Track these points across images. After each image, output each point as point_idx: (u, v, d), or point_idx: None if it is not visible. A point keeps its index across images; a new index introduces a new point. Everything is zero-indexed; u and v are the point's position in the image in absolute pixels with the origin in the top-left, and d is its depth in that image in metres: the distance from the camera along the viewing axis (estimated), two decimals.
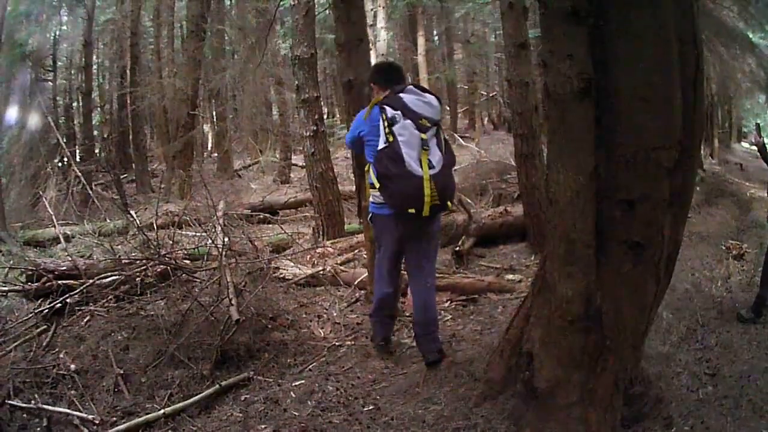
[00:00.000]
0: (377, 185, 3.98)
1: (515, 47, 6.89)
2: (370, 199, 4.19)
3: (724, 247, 7.47)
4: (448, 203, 4.01)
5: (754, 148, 6.64)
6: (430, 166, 3.86)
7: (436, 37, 24.07)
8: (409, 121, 3.86)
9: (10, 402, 4.09)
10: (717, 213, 9.71)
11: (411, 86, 4.11)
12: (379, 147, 3.89)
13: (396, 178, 3.82)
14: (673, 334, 4.72)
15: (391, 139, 3.83)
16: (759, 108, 20.93)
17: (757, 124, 5.92)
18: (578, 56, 2.70)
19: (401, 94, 3.98)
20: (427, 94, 4.08)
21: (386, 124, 3.85)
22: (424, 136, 3.89)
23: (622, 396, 3.16)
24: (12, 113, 12.86)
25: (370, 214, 4.25)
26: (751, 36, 10.33)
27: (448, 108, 23.08)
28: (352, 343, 4.96)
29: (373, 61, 14.18)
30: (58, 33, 16.55)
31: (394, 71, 4.37)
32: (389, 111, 3.88)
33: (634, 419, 3.33)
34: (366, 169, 4.24)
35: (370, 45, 14.19)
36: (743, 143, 25.59)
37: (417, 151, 3.85)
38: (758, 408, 3.59)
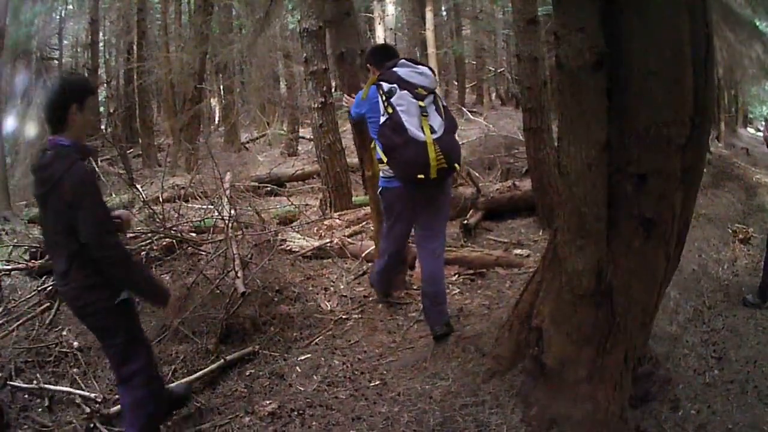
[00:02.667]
0: (384, 159, 4.00)
1: (525, 22, 6.83)
2: (380, 174, 4.21)
3: (730, 231, 7.38)
4: (456, 165, 4.01)
5: (760, 133, 6.58)
6: (432, 131, 3.90)
7: (444, 13, 23.74)
8: (405, 92, 3.93)
9: (11, 383, 4.07)
10: (723, 196, 9.59)
11: (403, 60, 4.17)
12: (381, 122, 3.94)
13: (400, 147, 3.85)
14: (681, 315, 4.66)
15: (390, 110, 3.89)
16: (765, 95, 20.74)
17: (766, 119, 5.82)
18: (590, 29, 2.64)
19: (395, 69, 4.05)
20: (419, 66, 4.14)
21: (384, 98, 3.92)
22: (422, 103, 3.95)
23: (630, 375, 3.10)
24: (17, 92, 12.81)
25: (380, 188, 4.24)
26: (758, 23, 10.21)
27: (456, 83, 22.89)
28: (359, 316, 4.91)
29: (380, 35, 14.04)
30: (63, 12, 16.46)
31: (387, 51, 4.49)
32: (385, 85, 3.96)
33: (642, 399, 3.28)
34: (372, 146, 4.32)
35: (378, 20, 14.03)
36: (749, 128, 25.44)
37: (417, 118, 3.90)
38: (764, 395, 3.54)
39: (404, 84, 3.94)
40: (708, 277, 5.70)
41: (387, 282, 4.98)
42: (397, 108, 3.87)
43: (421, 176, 3.86)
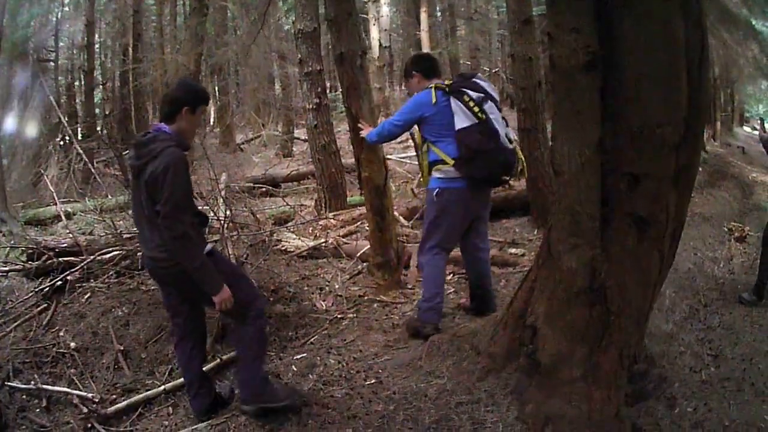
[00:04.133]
0: (450, 161, 4.22)
1: (519, 23, 6.94)
2: (436, 175, 4.33)
3: (726, 229, 7.42)
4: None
5: (756, 132, 6.60)
6: (510, 141, 4.25)
7: (439, 13, 23.74)
8: (491, 103, 4.19)
9: (9, 383, 4.07)
10: (719, 195, 9.63)
11: (479, 74, 4.50)
12: (461, 126, 4.12)
13: (491, 151, 4.11)
14: (676, 313, 4.70)
15: (482, 116, 4.10)
16: (761, 94, 20.88)
17: (761, 119, 5.83)
18: (584, 30, 2.68)
19: (475, 80, 4.30)
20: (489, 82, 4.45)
21: (472, 104, 4.11)
22: (501, 116, 4.26)
23: (626, 373, 3.12)
24: (14, 94, 12.78)
25: (436, 190, 4.32)
26: (754, 23, 10.24)
27: None
28: (354, 315, 4.92)
29: (375, 35, 14.04)
30: (59, 14, 16.45)
31: (436, 63, 4.68)
32: (473, 94, 4.15)
33: (637, 397, 3.31)
34: (424, 148, 4.44)
35: (373, 21, 14.03)
36: (745, 127, 25.51)
37: (503, 127, 4.22)
38: (760, 392, 3.57)
39: (489, 96, 4.19)
40: (704, 275, 5.74)
41: (436, 313, 4.46)
42: (491, 116, 4.12)
43: (506, 177, 4.33)
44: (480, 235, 4.63)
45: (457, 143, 4.15)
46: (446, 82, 4.30)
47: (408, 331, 4.46)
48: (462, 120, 4.11)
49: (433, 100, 4.21)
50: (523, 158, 4.39)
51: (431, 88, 4.26)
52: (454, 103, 4.14)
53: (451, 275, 5.58)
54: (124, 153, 13.62)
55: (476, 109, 4.09)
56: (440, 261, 4.48)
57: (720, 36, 9.23)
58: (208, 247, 3.37)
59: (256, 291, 3.63)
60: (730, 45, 10.13)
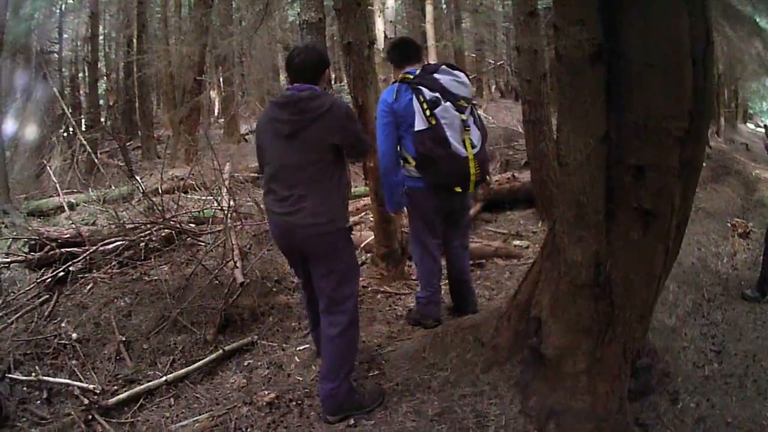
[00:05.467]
0: (412, 162, 4.01)
1: (525, 15, 6.90)
2: (404, 173, 4.12)
3: (729, 225, 7.35)
4: (487, 177, 4.23)
5: (760, 130, 6.56)
6: (473, 146, 3.95)
7: (444, 5, 23.64)
8: (449, 104, 3.86)
9: (10, 375, 4.07)
10: (723, 190, 9.61)
11: (444, 66, 4.06)
12: (418, 128, 3.87)
13: (441, 159, 3.86)
14: (680, 308, 4.66)
15: (433, 122, 3.83)
16: (765, 90, 20.76)
17: (766, 126, 5.78)
18: (589, 21, 2.63)
19: (436, 75, 3.95)
20: (458, 73, 4.06)
21: (425, 106, 3.83)
22: (463, 116, 3.92)
23: (629, 367, 3.08)
24: (17, 87, 12.80)
25: (406, 188, 4.15)
26: (758, 20, 10.20)
27: None
28: (358, 306, 4.88)
29: (380, 27, 13.98)
30: (63, 6, 16.45)
31: (410, 48, 4.26)
32: (427, 93, 3.85)
33: (641, 392, 3.28)
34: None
35: (378, 13, 13.97)
36: (749, 124, 25.42)
37: (459, 132, 3.90)
38: (763, 389, 3.53)
39: (448, 95, 3.88)
40: (707, 271, 5.69)
41: (433, 305, 4.38)
42: (441, 121, 3.83)
43: (459, 189, 3.99)
44: (457, 230, 4.39)
45: (414, 146, 3.94)
46: (417, 71, 4.02)
47: (410, 323, 4.43)
48: (419, 122, 3.87)
49: (394, 97, 3.97)
50: (483, 166, 4.06)
51: (396, 82, 4.03)
52: (415, 103, 3.87)
53: None
54: (128, 144, 13.67)
55: (428, 112, 3.82)
56: (429, 255, 4.30)
57: (724, 33, 9.21)
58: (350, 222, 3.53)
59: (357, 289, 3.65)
60: (734, 41, 10.11)
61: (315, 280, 3.41)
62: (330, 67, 3.58)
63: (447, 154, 3.84)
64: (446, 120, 3.83)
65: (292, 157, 3.25)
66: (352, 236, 3.47)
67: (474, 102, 4.12)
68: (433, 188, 4.03)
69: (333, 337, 3.36)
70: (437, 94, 3.84)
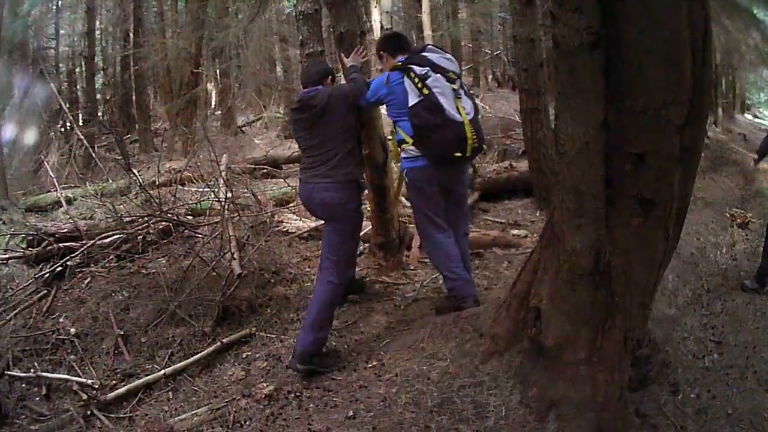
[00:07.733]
0: (409, 140, 4.10)
1: (521, 4, 6.94)
2: (402, 155, 4.22)
3: (728, 215, 7.38)
4: (484, 146, 4.26)
5: (758, 120, 6.53)
6: (466, 113, 4.04)
7: None
8: (439, 75, 4.01)
9: (8, 372, 4.05)
10: (721, 180, 9.62)
11: (430, 46, 4.31)
12: (412, 103, 4.00)
13: (438, 127, 3.96)
14: (679, 298, 4.66)
15: (426, 92, 3.96)
16: (763, 81, 20.79)
17: None
18: (587, 9, 2.60)
19: (424, 53, 4.15)
20: (444, 52, 4.27)
21: (417, 80, 3.98)
22: (454, 86, 4.07)
23: (630, 356, 3.07)
24: (14, 85, 12.76)
25: (405, 169, 4.23)
26: (755, 11, 10.18)
27: None
28: (356, 297, 4.87)
29: (377, 18, 13.94)
30: (60, 2, 16.40)
31: (403, 40, 4.54)
32: (417, 69, 4.01)
33: (641, 382, 3.27)
34: (393, 129, 4.34)
35: (374, 3, 13.91)
36: (747, 114, 25.42)
37: (452, 99, 4.01)
38: (763, 380, 3.53)
39: (437, 68, 4.02)
40: (706, 261, 5.69)
41: (467, 284, 4.28)
42: (434, 90, 3.95)
43: (459, 154, 4.01)
44: (461, 210, 4.47)
45: (410, 122, 4.05)
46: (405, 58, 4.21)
47: (446, 312, 4.25)
48: (412, 98, 4.01)
49: (385, 81, 4.16)
50: (479, 134, 4.09)
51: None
52: (406, 81, 4.02)
53: None
54: (125, 137, 13.64)
55: (420, 84, 3.96)
56: (440, 240, 4.27)
57: (722, 23, 9.18)
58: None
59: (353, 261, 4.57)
60: (732, 31, 10.09)
61: None
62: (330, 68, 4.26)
63: (443, 120, 3.94)
64: (438, 89, 3.96)
65: (313, 134, 4.01)
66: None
67: (461, 78, 4.23)
68: (434, 162, 4.10)
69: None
70: (427, 68, 4.00)
